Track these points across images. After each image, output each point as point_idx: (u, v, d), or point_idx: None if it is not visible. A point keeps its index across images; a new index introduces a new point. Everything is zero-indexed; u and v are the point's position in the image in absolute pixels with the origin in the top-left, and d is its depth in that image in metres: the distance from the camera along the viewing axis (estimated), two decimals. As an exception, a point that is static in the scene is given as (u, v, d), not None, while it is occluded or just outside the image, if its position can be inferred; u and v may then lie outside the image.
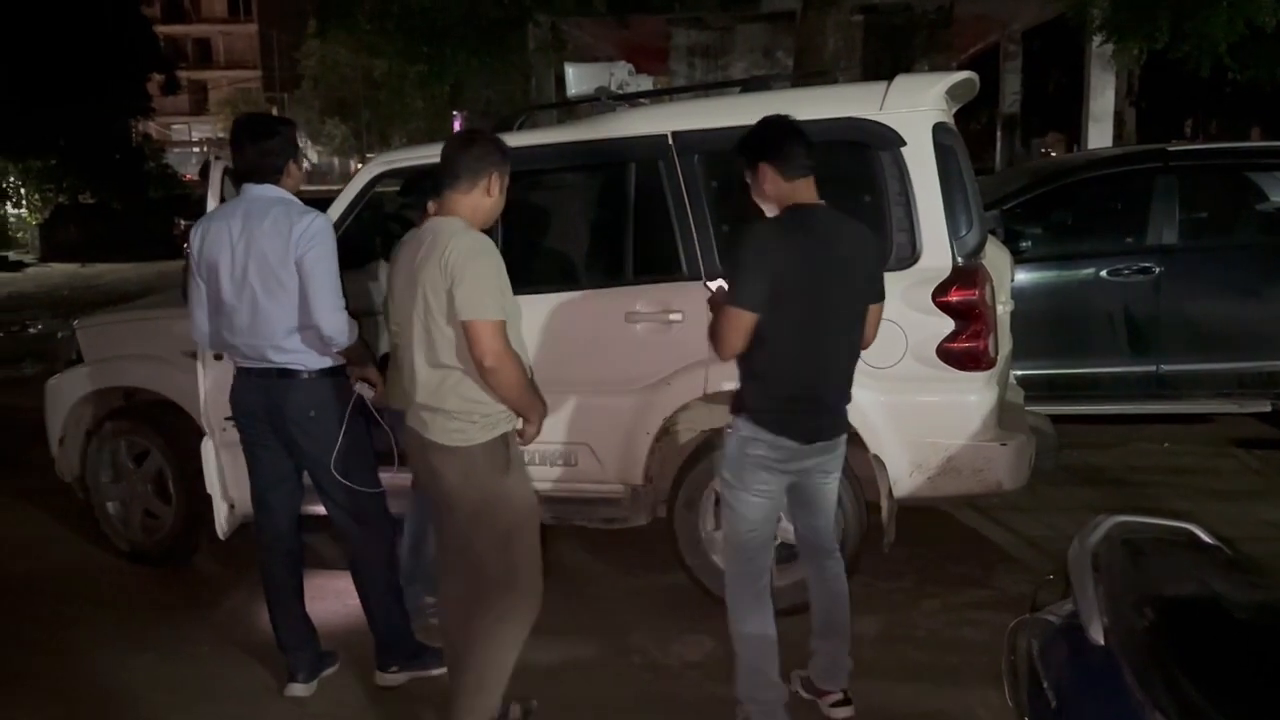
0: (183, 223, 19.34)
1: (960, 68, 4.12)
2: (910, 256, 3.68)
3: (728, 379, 3.49)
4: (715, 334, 2.90)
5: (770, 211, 2.98)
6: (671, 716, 3.42)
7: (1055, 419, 4.63)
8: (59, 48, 20.87)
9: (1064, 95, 15.95)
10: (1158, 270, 5.56)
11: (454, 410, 2.80)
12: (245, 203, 3.29)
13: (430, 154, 3.80)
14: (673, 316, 3.88)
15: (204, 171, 3.88)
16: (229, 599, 4.37)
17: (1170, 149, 6.07)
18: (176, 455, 4.47)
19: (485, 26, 11.24)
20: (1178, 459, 5.79)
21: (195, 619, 4.19)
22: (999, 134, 16.22)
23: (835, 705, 3.22)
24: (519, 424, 2.93)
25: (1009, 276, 4.68)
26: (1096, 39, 11.06)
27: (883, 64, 11.61)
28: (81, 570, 4.76)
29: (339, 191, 4.46)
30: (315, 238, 3.18)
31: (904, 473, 3.76)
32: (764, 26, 13.20)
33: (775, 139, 2.93)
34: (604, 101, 4.43)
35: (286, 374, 3.29)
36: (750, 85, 4.27)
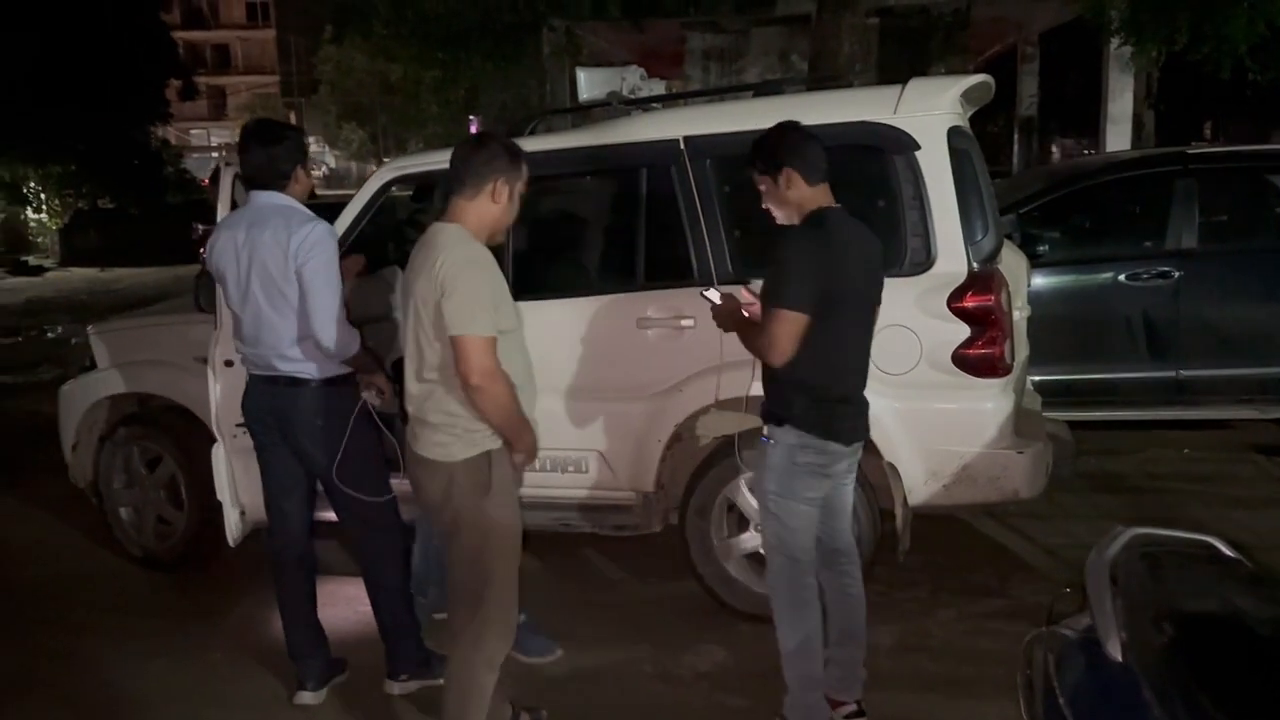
0: (200, 228, 19.40)
1: (977, 70, 4.07)
2: (925, 261, 3.64)
3: (740, 385, 3.46)
4: (764, 339, 2.84)
5: (788, 217, 2.96)
6: (682, 727, 3.38)
7: (1073, 425, 4.58)
8: (78, 55, 21.02)
9: (1082, 98, 15.81)
10: (1177, 274, 5.49)
11: (437, 423, 2.73)
12: (251, 211, 3.30)
13: (442, 159, 3.78)
14: (684, 322, 3.85)
15: (214, 177, 3.89)
16: (241, 605, 4.36)
17: (1189, 151, 6.02)
18: (189, 461, 4.46)
19: (500, 32, 11.27)
20: (1197, 466, 5.71)
21: (207, 625, 4.19)
22: (1016, 137, 16.12)
23: (850, 716, 3.17)
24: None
25: (1025, 281, 4.63)
26: (1115, 41, 10.98)
27: (898, 67, 11.55)
28: (93, 576, 4.76)
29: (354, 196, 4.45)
30: (314, 248, 3.15)
31: (919, 481, 3.72)
32: (779, 30, 13.15)
33: (799, 143, 2.92)
34: (615, 106, 4.41)
35: (295, 382, 3.29)
36: (763, 89, 4.24)
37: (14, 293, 18.49)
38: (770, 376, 2.97)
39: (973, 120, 4.04)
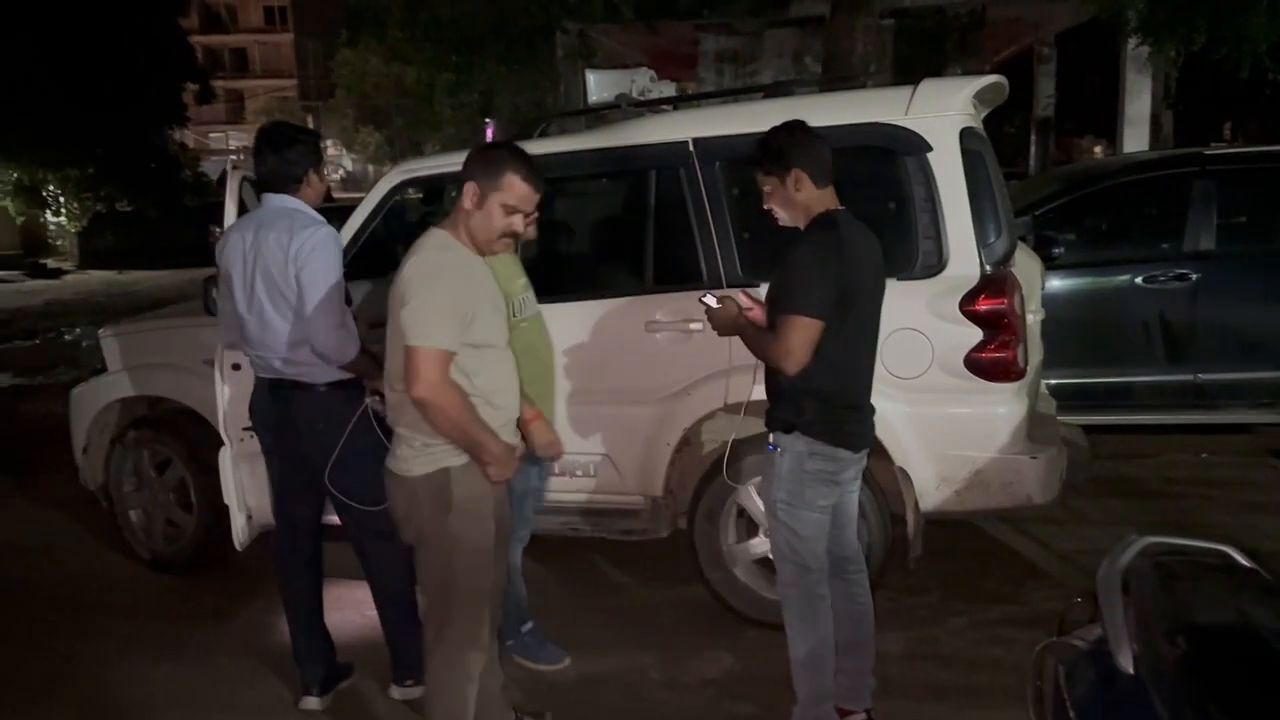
0: (217, 230, 19.46)
1: (993, 71, 4.01)
2: (937, 264, 3.60)
3: (748, 390, 3.42)
4: (779, 347, 2.75)
5: (793, 219, 2.90)
6: (689, 734, 3.35)
7: (1089, 429, 4.53)
8: (94, 59, 21.18)
9: (1100, 99, 15.69)
10: (1195, 277, 5.43)
11: (401, 435, 2.67)
12: (261, 213, 3.30)
13: (450, 162, 3.78)
14: (693, 326, 3.81)
15: (222, 180, 3.89)
16: (248, 609, 4.35)
17: (1207, 152, 5.95)
18: (198, 464, 4.47)
19: (514, 35, 11.25)
20: (1215, 470, 5.64)
21: (215, 629, 4.18)
22: (1033, 138, 16.00)
23: (859, 726, 3.14)
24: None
25: (1039, 284, 4.57)
26: (1132, 41, 10.87)
27: (914, 69, 11.48)
28: (102, 578, 4.78)
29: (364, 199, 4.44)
30: (314, 251, 3.13)
31: (930, 486, 3.67)
32: (793, 31, 13.10)
33: (807, 144, 2.86)
34: (624, 108, 4.39)
35: (300, 386, 3.28)
36: (773, 90, 4.20)
37: (33, 295, 18.66)
38: (777, 382, 2.91)
39: (989, 121, 3.99)
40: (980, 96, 3.78)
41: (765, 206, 2.96)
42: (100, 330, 5.03)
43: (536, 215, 3.42)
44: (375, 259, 4.19)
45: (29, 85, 19.95)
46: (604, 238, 4.44)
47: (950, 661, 3.66)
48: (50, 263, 25.33)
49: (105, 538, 5.02)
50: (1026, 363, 3.64)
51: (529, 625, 3.75)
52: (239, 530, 4.00)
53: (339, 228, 3.72)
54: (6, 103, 19.72)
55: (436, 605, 2.79)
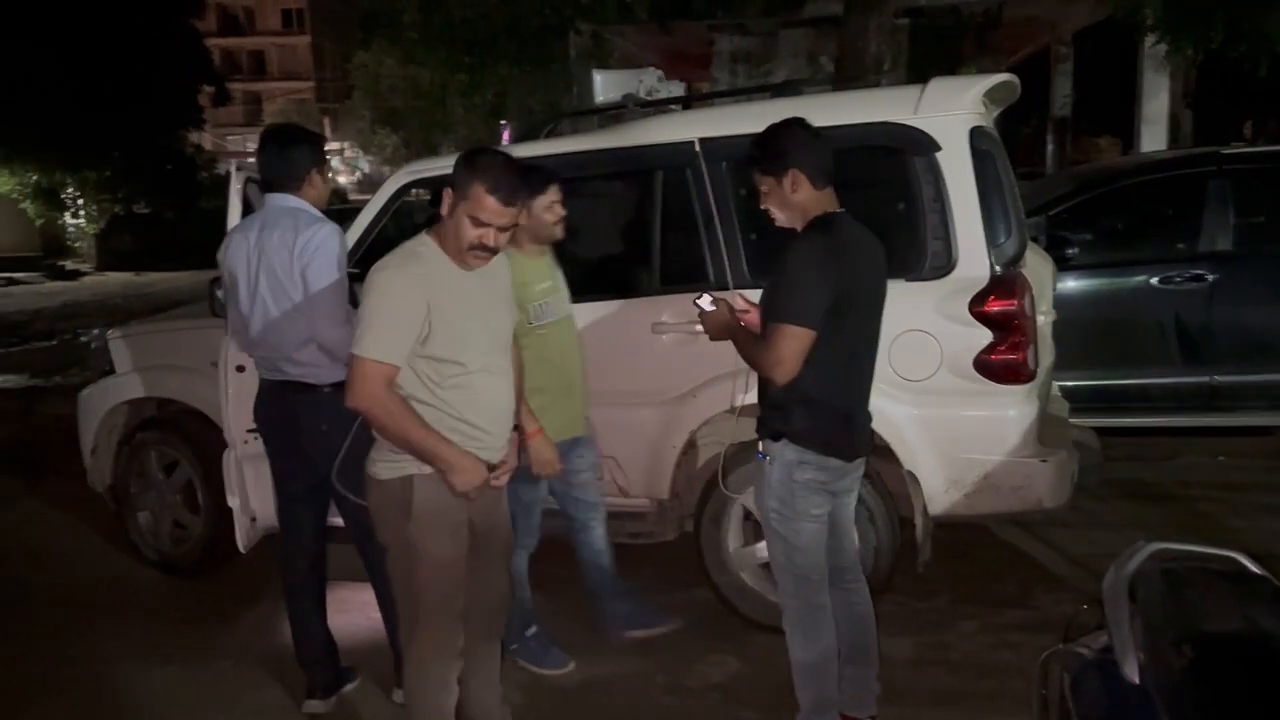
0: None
1: (1009, 71, 3.96)
2: (946, 265, 3.55)
3: (754, 393, 3.38)
4: (769, 356, 2.68)
5: (790, 220, 2.82)
6: (694, 740, 3.32)
7: (1104, 432, 4.47)
8: (112, 62, 21.33)
9: (1117, 98, 15.56)
10: (1211, 278, 5.36)
11: (378, 438, 2.67)
12: (264, 213, 3.30)
13: (455, 163, 3.76)
14: (699, 327, 3.77)
15: (225, 180, 3.89)
16: (253, 611, 4.35)
17: (1224, 152, 5.87)
18: (205, 466, 4.45)
19: (527, 36, 11.22)
20: (1231, 474, 5.57)
21: (220, 631, 4.18)
22: (1049, 138, 15.89)
23: (864, 733, 3.09)
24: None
25: (1050, 285, 4.51)
26: (1149, 40, 10.78)
27: (929, 68, 11.40)
28: (108, 580, 4.79)
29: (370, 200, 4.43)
30: (319, 250, 3.13)
31: (939, 489, 3.62)
32: (807, 31, 13.03)
33: (806, 143, 2.78)
34: (631, 108, 4.36)
35: (305, 387, 3.26)
36: (781, 90, 4.16)
37: (51, 296, 18.81)
38: (768, 389, 2.84)
39: (1005, 122, 3.93)
40: (991, 95, 3.73)
41: (762, 207, 2.88)
42: (109, 332, 5.04)
43: (563, 215, 3.42)
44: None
45: (46, 88, 20.13)
46: (610, 239, 4.40)
47: (959, 667, 3.62)
48: (69, 264, 25.56)
49: (112, 539, 5.02)
50: (1037, 365, 3.59)
51: (533, 630, 3.72)
52: (243, 532, 3.99)
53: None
54: (24, 105, 19.90)
55: (406, 613, 2.76)
